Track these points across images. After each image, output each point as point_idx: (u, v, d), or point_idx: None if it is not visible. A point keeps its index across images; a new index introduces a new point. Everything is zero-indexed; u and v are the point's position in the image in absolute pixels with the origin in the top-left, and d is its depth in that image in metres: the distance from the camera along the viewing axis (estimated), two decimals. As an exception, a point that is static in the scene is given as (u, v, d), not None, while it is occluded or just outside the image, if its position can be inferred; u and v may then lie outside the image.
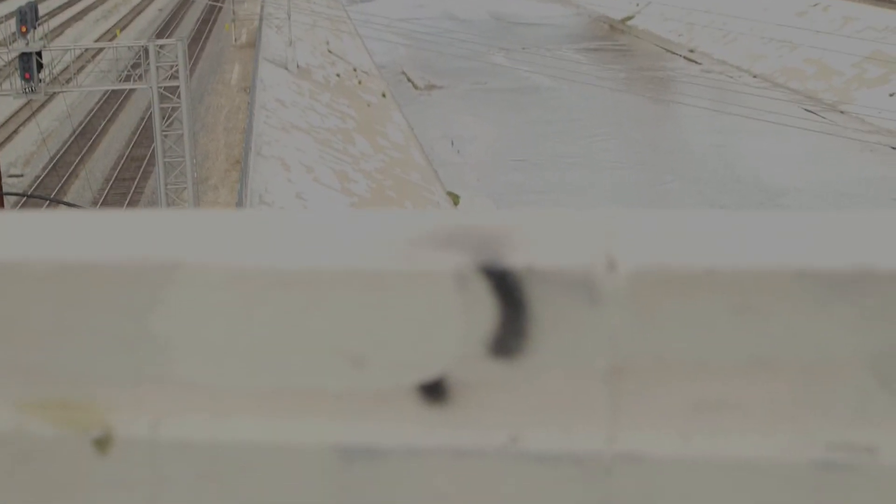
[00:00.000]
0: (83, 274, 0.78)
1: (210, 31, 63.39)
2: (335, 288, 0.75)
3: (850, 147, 44.77)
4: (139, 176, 35.89)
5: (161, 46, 29.57)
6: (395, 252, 0.75)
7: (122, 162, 37.53)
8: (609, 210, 0.79)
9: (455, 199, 37.94)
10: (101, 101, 44.62)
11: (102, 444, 0.78)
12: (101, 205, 31.97)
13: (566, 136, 45.99)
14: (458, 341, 0.74)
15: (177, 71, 29.33)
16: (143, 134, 38.84)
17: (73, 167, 35.98)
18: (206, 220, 0.84)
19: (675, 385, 0.73)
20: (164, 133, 29.18)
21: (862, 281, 0.71)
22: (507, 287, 0.73)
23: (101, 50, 43.51)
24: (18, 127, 40.71)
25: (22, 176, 35.58)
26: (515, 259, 0.74)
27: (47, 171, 35.94)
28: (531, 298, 0.73)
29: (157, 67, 28.95)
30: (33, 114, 37.87)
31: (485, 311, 0.74)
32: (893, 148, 44.47)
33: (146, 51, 28.87)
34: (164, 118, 29.51)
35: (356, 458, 0.75)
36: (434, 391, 0.75)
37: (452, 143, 46.60)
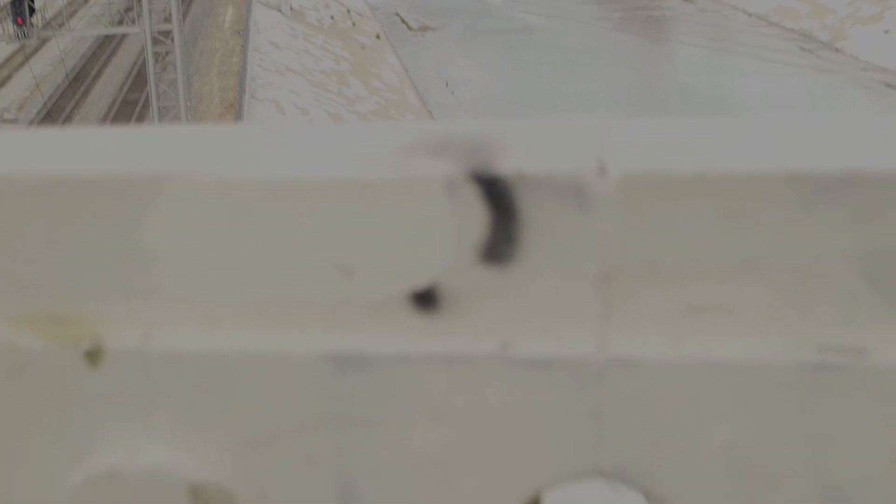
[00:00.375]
0: (71, 187, 0.77)
1: (202, -27, 63.03)
2: (324, 198, 0.75)
3: (844, 85, 44.73)
4: (133, 120, 35.79)
5: (153, -11, 29.41)
6: (384, 161, 0.75)
7: (117, 106, 37.40)
8: (600, 118, 0.79)
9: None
10: (95, 46, 44.40)
11: (93, 356, 0.78)
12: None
13: (561, 78, 45.89)
14: (448, 249, 0.74)
15: (170, 14, 29.16)
16: (137, 78, 38.67)
17: (67, 112, 35.86)
18: (195, 134, 0.84)
19: (665, 289, 0.73)
20: (158, 77, 29.04)
21: (852, 184, 0.70)
22: (497, 193, 0.73)
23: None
24: (12, 72, 40.57)
25: (16, 121, 35.49)
26: (505, 165, 0.73)
27: (41, 115, 35.83)
28: (521, 204, 0.73)
29: (150, 11, 28.78)
30: (26, 59, 37.70)
31: (475, 217, 0.74)
32: (888, 85, 44.43)
33: (139, -6, 28.71)
34: (157, 62, 29.36)
35: (348, 367, 0.75)
36: (425, 299, 0.75)
37: (447, 85, 46.50)
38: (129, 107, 36.17)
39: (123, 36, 41.65)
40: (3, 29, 29.06)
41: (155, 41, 28.43)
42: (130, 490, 0.79)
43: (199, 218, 0.77)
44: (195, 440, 0.79)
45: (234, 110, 34.49)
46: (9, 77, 39.99)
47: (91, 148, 0.82)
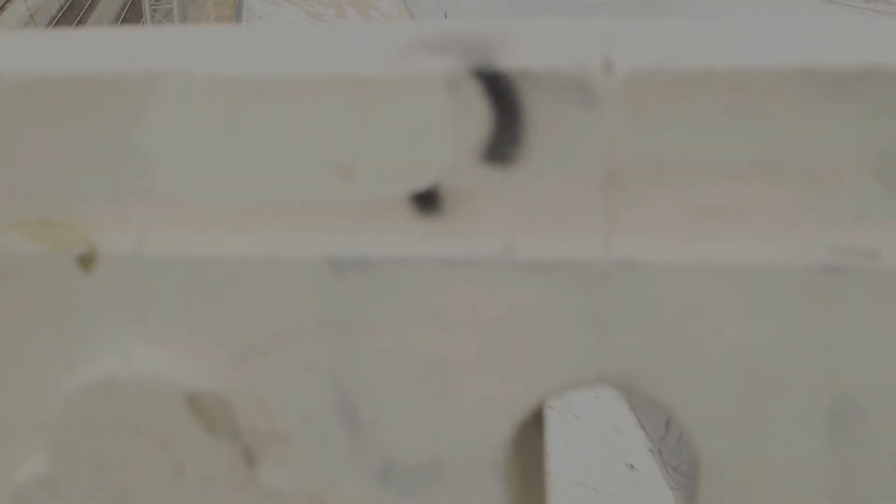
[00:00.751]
0: (61, 86, 0.75)
1: None
2: (322, 95, 0.72)
3: (843, 15, 44.48)
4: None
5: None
6: (383, 58, 0.73)
7: (112, 38, 37.12)
8: (606, 19, 0.76)
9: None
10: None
11: (86, 260, 0.76)
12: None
13: (563, 10, 45.61)
14: (450, 148, 0.72)
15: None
16: (133, 9, 38.45)
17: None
18: (188, 34, 0.81)
19: (672, 190, 0.71)
20: (153, 7, 28.87)
21: (867, 80, 0.68)
22: (500, 91, 0.71)
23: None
24: (5, 3, 40.30)
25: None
26: (509, 61, 0.71)
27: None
28: (525, 102, 0.71)
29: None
30: (20, -10, 37.40)
31: (477, 116, 0.71)
32: (889, 15, 44.22)
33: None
34: (152, -8, 29.18)
35: (347, 270, 0.73)
36: (426, 200, 0.73)
37: (445, 16, 46.31)
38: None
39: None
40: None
41: (150, -29, 28.24)
42: (125, 397, 0.77)
43: (194, 117, 0.74)
44: (191, 347, 0.77)
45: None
46: (2, 8, 39.74)
47: (82, 47, 0.79)
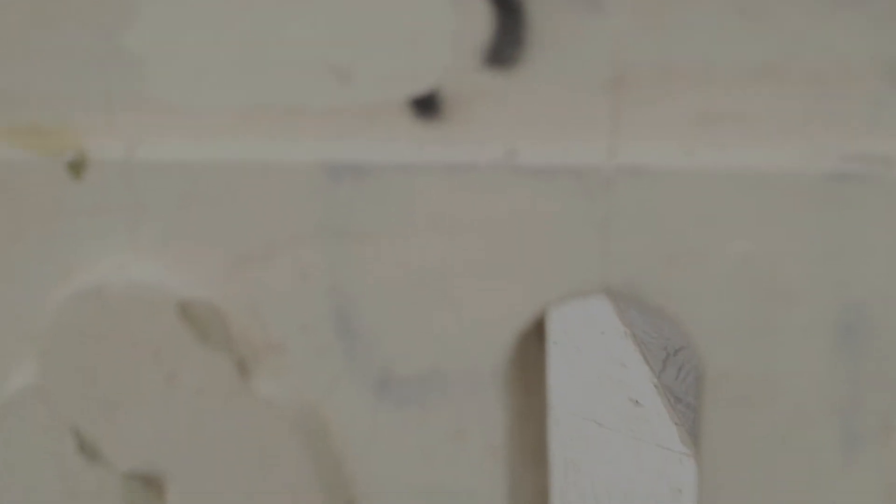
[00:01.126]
0: None
1: None
2: None
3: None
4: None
5: None
6: None
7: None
8: None
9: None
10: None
11: (77, 167, 0.75)
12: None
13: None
14: (450, 51, 0.70)
15: None
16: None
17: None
18: None
19: (679, 95, 0.69)
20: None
21: None
22: None
23: None
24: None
25: None
26: None
27: None
28: (528, 3, 0.69)
29: None
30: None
31: (479, 17, 0.69)
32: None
33: None
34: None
35: (344, 176, 0.71)
36: (426, 105, 0.71)
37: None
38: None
39: None
40: None
41: None
42: (117, 306, 0.76)
43: (187, 18, 0.72)
44: (184, 255, 0.75)
45: None
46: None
47: None
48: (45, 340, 0.77)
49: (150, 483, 0.81)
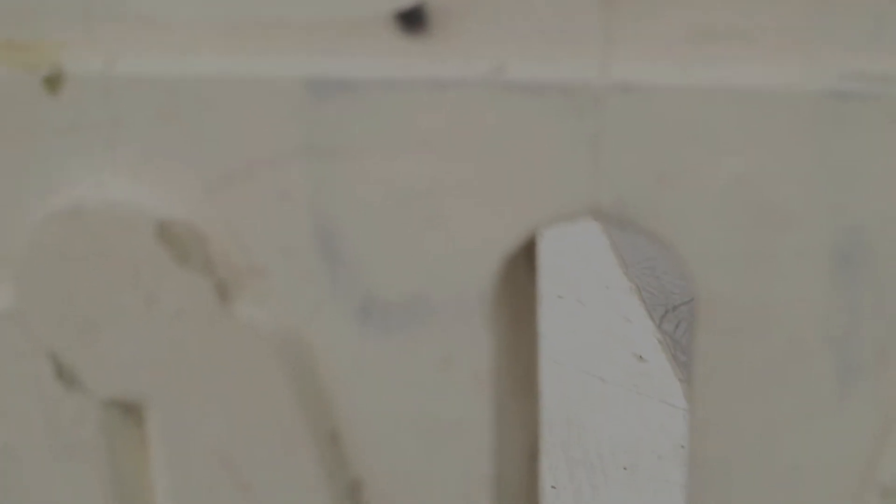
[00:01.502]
0: None
1: None
2: None
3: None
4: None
5: None
6: None
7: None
8: None
9: None
10: None
11: (53, 82, 0.72)
12: None
13: None
14: None
15: None
16: None
17: None
18: None
19: (674, 10, 0.67)
20: None
21: None
22: None
23: None
24: None
25: None
26: None
27: None
28: None
29: None
30: None
31: None
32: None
33: None
34: None
35: (328, 92, 0.69)
36: (412, 19, 0.69)
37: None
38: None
39: None
40: None
41: None
42: (94, 225, 0.74)
43: None
44: (162, 174, 0.73)
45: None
46: None
47: None
48: (21, 263, 0.75)
49: (130, 411, 0.79)
